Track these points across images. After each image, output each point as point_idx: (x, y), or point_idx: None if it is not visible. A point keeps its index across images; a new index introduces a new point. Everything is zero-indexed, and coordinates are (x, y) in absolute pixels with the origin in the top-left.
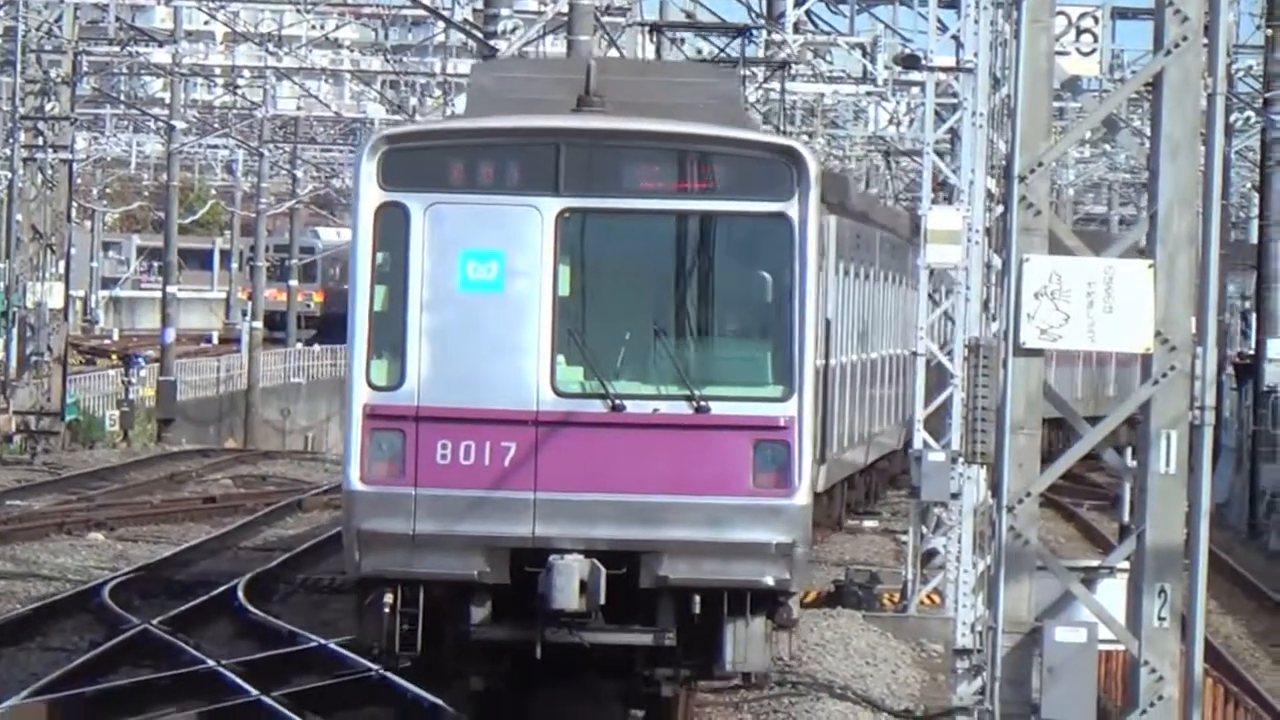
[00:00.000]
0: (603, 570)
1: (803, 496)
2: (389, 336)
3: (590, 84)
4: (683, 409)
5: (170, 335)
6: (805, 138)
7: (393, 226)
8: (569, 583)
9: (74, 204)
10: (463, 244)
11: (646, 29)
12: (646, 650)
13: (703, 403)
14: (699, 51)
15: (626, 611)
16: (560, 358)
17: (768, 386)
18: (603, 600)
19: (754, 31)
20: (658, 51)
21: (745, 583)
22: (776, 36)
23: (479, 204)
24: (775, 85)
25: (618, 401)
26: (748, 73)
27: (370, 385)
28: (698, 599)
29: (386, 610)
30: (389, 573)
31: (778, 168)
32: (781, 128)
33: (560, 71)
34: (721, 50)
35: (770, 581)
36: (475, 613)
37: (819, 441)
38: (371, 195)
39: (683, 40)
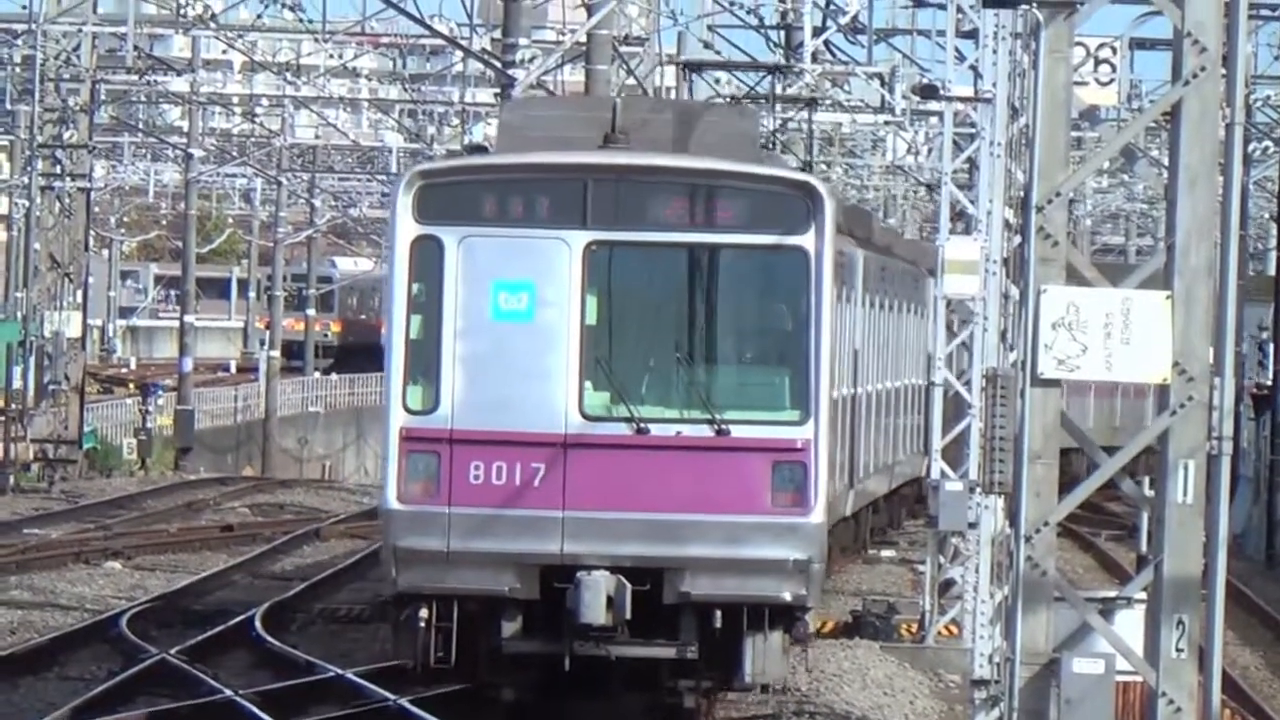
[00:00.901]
0: (628, 586)
1: (818, 515)
2: (424, 363)
3: (616, 122)
4: (704, 432)
5: (188, 364)
6: (824, 167)
7: (428, 258)
8: (596, 598)
9: (92, 233)
10: (494, 275)
11: (681, 67)
12: (670, 663)
13: (723, 426)
14: (718, 82)
15: (651, 626)
16: (588, 383)
17: (785, 410)
18: (628, 615)
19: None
20: (690, 89)
21: (764, 598)
22: (795, 66)
23: (510, 237)
24: (794, 115)
25: (642, 424)
26: (777, 109)
27: (406, 409)
28: (719, 613)
29: (422, 625)
30: (425, 588)
31: (795, 202)
32: (811, 163)
33: (586, 109)
34: (752, 88)
35: (788, 597)
36: (506, 626)
37: (850, 467)
38: (407, 228)
39: (717, 79)
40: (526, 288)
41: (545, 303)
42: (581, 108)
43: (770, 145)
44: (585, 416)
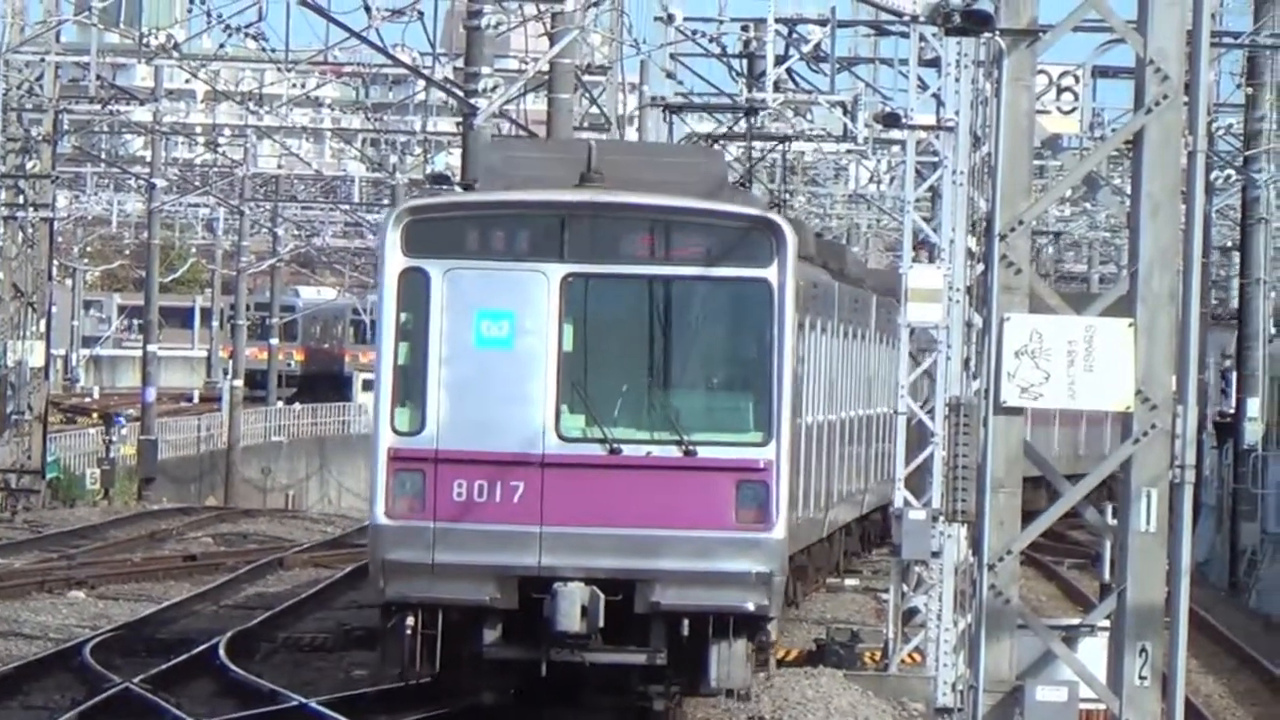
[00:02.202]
0: (601, 596)
1: (780, 531)
2: (411, 387)
3: (591, 163)
4: (673, 452)
5: (151, 394)
6: (786, 196)
7: (414, 289)
8: (571, 607)
9: (55, 262)
10: (477, 305)
11: (664, 109)
12: (640, 669)
13: (691, 447)
14: (700, 120)
15: (622, 634)
16: (564, 407)
17: (749, 433)
18: (601, 623)
19: (757, 109)
20: (670, 129)
21: (729, 608)
22: (758, 95)
23: (492, 269)
24: (766, 153)
25: (615, 445)
26: (751, 147)
27: (394, 430)
28: (686, 623)
29: (408, 633)
30: (411, 598)
31: (758, 237)
32: (782, 200)
33: (564, 151)
34: (730, 127)
35: (751, 607)
36: (487, 634)
37: (825, 491)
38: (395, 261)
39: (698, 117)
40: (507, 317)
41: (525, 331)
42: (559, 149)
43: (746, 183)
44: (562, 438)
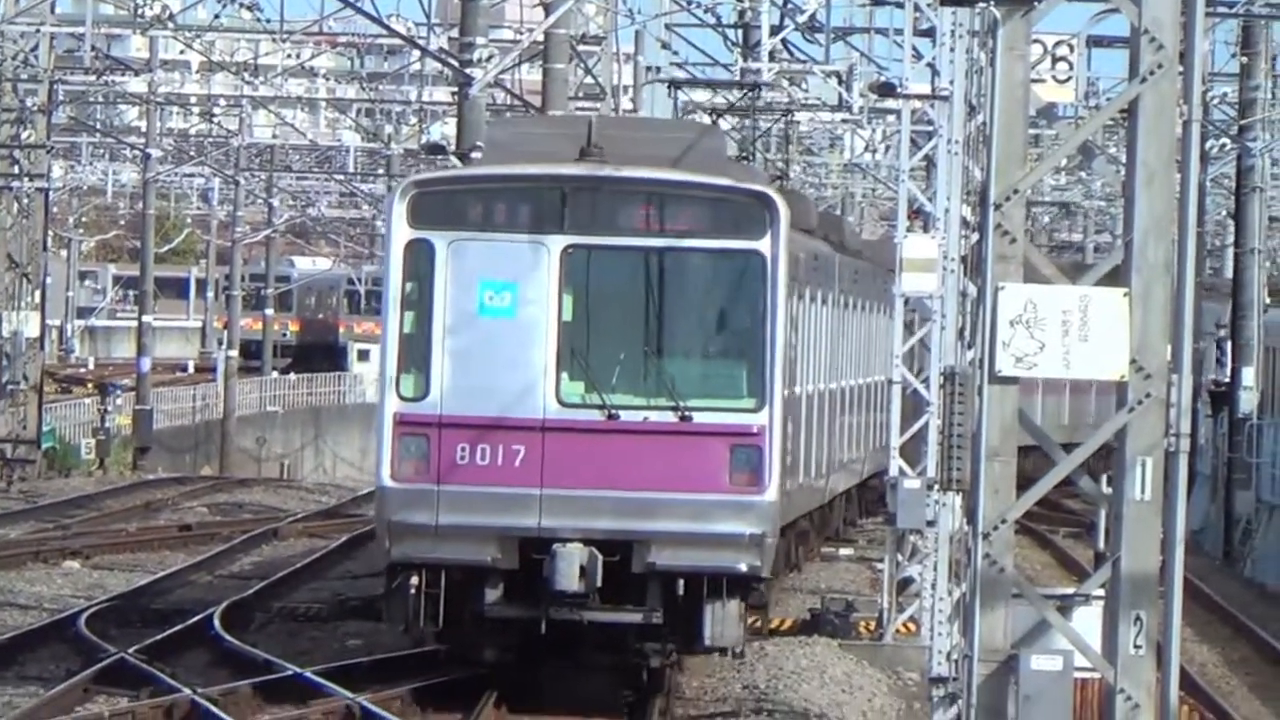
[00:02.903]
0: (599, 557)
1: (772, 493)
2: (416, 355)
3: (591, 137)
4: (669, 418)
5: (146, 364)
6: (781, 165)
7: (420, 260)
8: (570, 568)
9: (50, 233)
10: (481, 275)
11: (669, 85)
12: (637, 627)
13: (686, 412)
14: (711, 95)
15: (620, 593)
16: (564, 373)
17: (742, 399)
18: (599, 583)
19: (761, 85)
20: (675, 104)
21: (723, 568)
22: (753, 65)
23: (495, 241)
24: (770, 125)
25: (613, 411)
26: (747, 120)
27: (400, 396)
28: (682, 582)
29: (412, 592)
30: (415, 558)
31: (752, 210)
32: (785, 173)
33: (565, 127)
34: (733, 103)
35: (744, 568)
36: (489, 594)
37: (826, 457)
38: (402, 233)
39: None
40: (509, 287)
41: (526, 300)
42: (561, 125)
43: (749, 156)
44: (561, 403)
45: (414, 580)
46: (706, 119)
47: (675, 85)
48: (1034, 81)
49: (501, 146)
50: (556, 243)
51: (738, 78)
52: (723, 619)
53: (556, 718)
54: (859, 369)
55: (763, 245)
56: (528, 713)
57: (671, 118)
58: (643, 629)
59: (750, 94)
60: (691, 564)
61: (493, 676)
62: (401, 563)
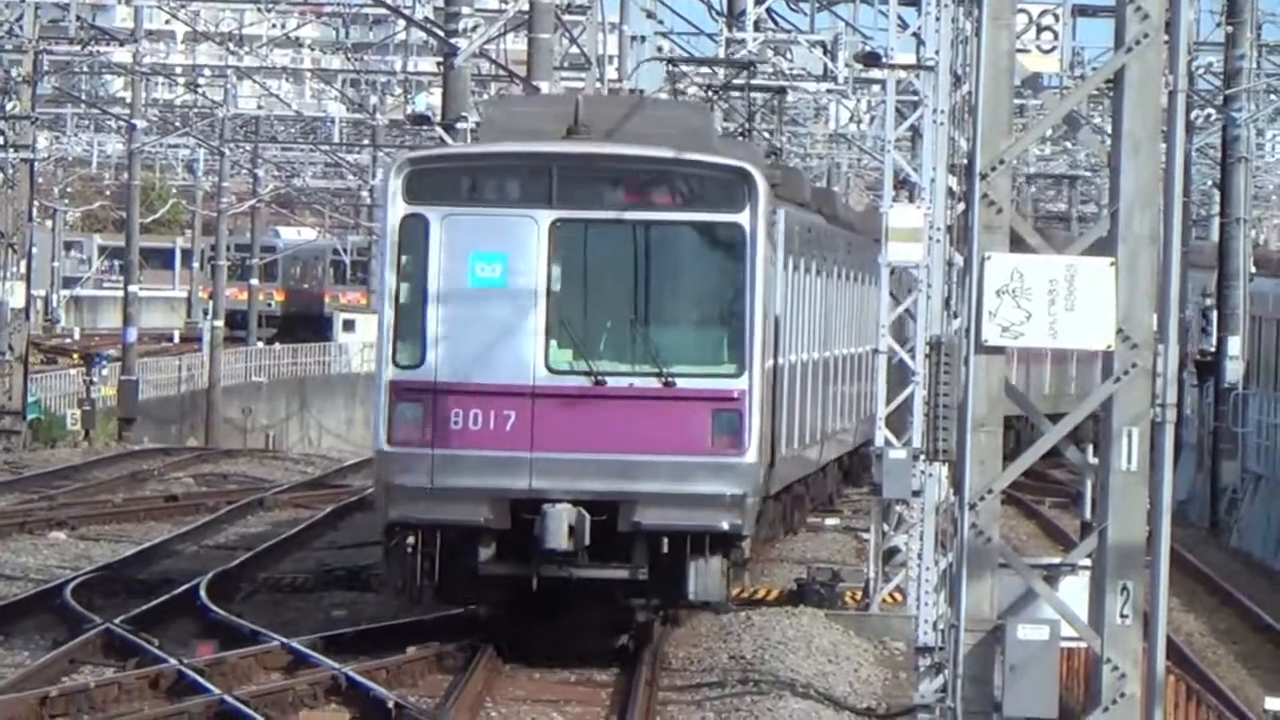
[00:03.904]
0: (587, 517)
1: (752, 455)
2: (412, 324)
3: (579, 116)
4: (653, 383)
5: (132, 334)
6: (766, 135)
7: (415, 234)
8: (559, 527)
9: (35, 203)
10: (473, 248)
11: (667, 63)
12: (623, 583)
13: (669, 378)
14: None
15: (607, 551)
16: (553, 341)
17: (724, 365)
18: (587, 542)
19: (753, 63)
20: (674, 84)
21: (705, 527)
22: (737, 34)
23: (486, 215)
24: (762, 103)
25: (600, 377)
26: (741, 98)
27: (396, 364)
28: (666, 541)
29: (409, 551)
30: (412, 519)
31: (733, 185)
32: (780, 149)
33: (556, 105)
34: (729, 81)
35: (725, 526)
36: (482, 552)
37: (821, 423)
38: (397, 207)
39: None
40: (500, 259)
41: (516, 272)
42: (552, 103)
43: (746, 133)
44: (550, 370)
45: (411, 540)
46: (702, 96)
47: (672, 63)
48: (1019, 51)
49: (498, 125)
50: (545, 216)
51: (723, 47)
52: (705, 575)
53: (550, 670)
54: (852, 339)
55: (742, 218)
56: (521, 668)
57: (663, 96)
58: (629, 585)
59: (746, 72)
60: (675, 523)
61: (480, 643)
62: (399, 523)
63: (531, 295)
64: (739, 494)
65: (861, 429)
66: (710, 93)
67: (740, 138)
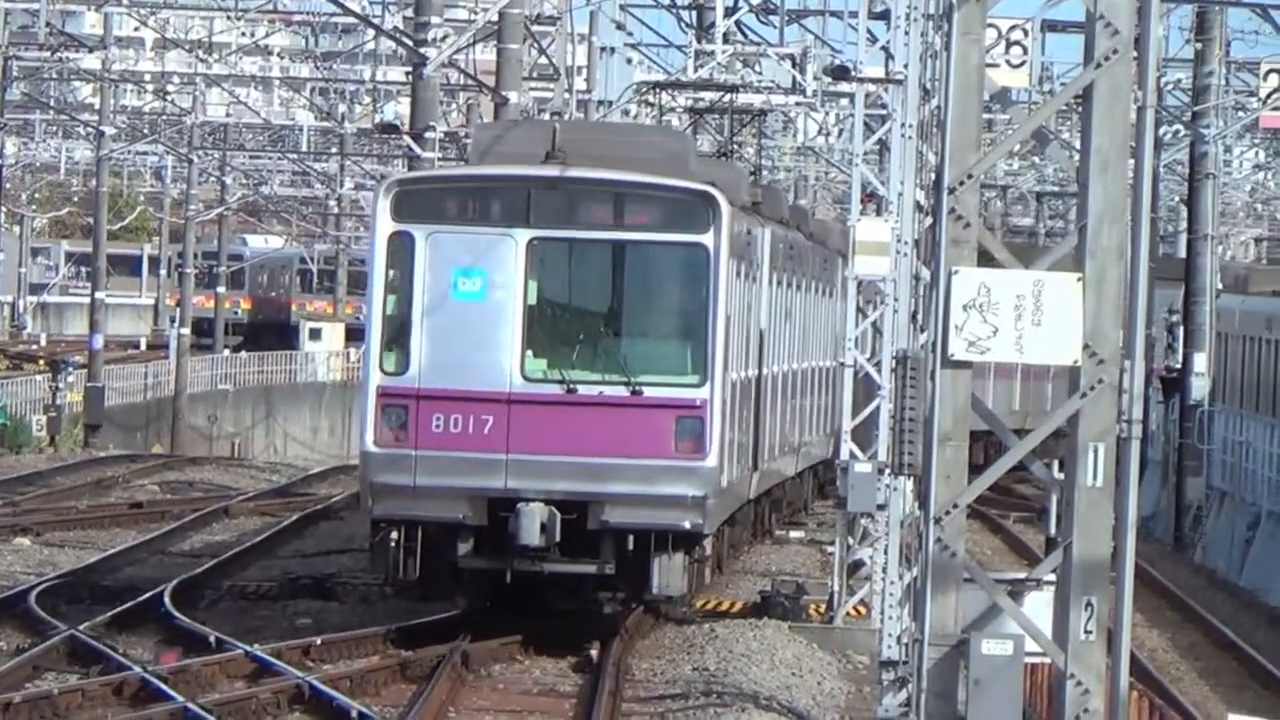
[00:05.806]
0: (559, 515)
1: (713, 460)
2: (397, 334)
3: (555, 141)
4: (621, 392)
5: (98, 341)
6: (735, 148)
7: (401, 250)
8: (533, 524)
9: (2, 209)
10: (455, 264)
11: (652, 87)
12: (592, 578)
13: (637, 387)
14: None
15: (577, 548)
16: (528, 352)
17: (687, 375)
18: (559, 539)
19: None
20: (659, 107)
21: (668, 526)
22: (707, 47)
23: (468, 234)
24: (732, 118)
25: (572, 385)
26: (718, 121)
27: (382, 371)
28: (632, 538)
29: (392, 546)
30: (395, 516)
31: (698, 208)
32: (760, 168)
33: (538, 131)
34: (712, 104)
35: (687, 525)
36: (460, 547)
37: (797, 433)
38: (385, 225)
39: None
40: (480, 274)
41: (495, 286)
42: (534, 129)
43: (728, 154)
44: (526, 378)
45: (394, 535)
46: (682, 117)
47: (659, 88)
48: (988, 66)
49: (485, 149)
50: (523, 235)
51: (692, 59)
52: (668, 571)
53: (514, 680)
54: (825, 352)
55: (706, 239)
56: (484, 678)
57: (636, 122)
58: (597, 579)
59: (725, 96)
60: (640, 521)
61: (445, 652)
62: (383, 519)
63: (509, 308)
64: (700, 495)
65: (833, 440)
66: (691, 115)
67: (722, 157)
